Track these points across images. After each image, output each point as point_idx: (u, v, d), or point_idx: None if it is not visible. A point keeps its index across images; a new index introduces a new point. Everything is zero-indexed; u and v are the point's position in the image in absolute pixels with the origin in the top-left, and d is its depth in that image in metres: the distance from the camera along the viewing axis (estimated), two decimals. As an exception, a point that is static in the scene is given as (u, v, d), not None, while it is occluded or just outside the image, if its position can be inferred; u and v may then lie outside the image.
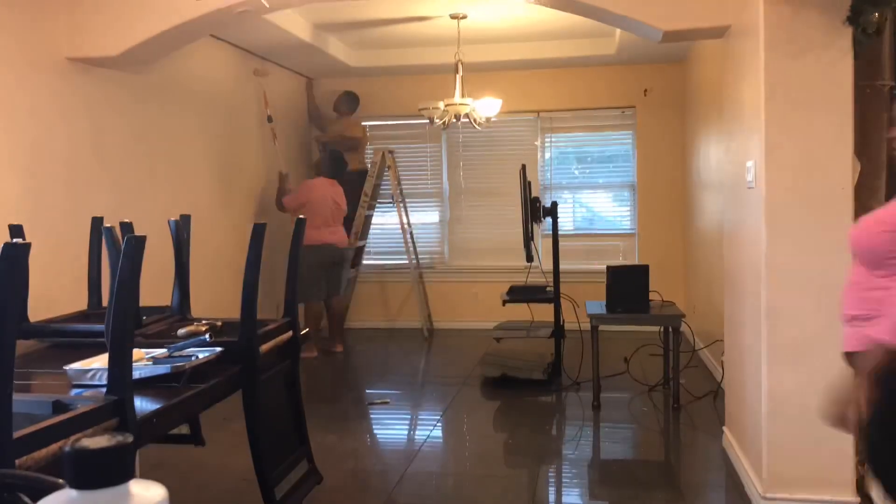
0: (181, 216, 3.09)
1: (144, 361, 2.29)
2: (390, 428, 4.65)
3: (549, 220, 5.43)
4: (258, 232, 2.59)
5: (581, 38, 6.56)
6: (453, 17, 5.69)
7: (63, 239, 3.80)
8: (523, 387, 5.13)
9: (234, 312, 2.67)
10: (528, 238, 5.28)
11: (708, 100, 5.49)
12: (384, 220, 7.74)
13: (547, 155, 7.48)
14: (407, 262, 7.16)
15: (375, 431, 4.49)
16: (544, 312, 5.67)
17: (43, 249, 3.33)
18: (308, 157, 7.57)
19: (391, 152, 7.12)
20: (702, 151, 5.95)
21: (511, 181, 6.56)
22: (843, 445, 2.94)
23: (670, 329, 4.77)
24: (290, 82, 7.20)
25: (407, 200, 7.28)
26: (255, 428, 2.63)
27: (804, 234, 2.96)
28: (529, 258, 5.30)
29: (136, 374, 2.04)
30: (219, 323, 2.88)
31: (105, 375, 1.91)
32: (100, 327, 2.56)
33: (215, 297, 4.50)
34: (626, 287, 4.71)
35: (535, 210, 5.28)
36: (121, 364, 1.84)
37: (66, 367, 2.17)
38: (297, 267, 3.01)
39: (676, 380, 4.68)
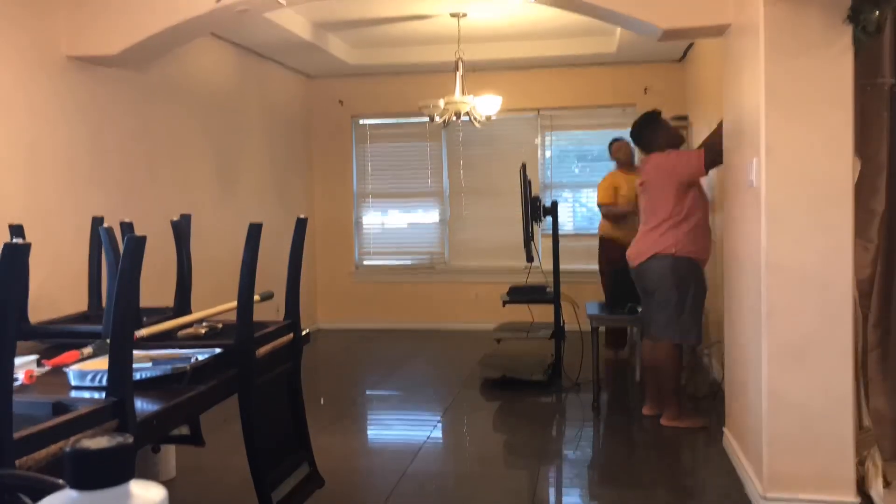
0: (182, 216, 3.08)
1: (144, 362, 2.28)
2: (390, 428, 4.65)
3: (549, 219, 5.42)
4: (254, 232, 2.57)
5: (581, 37, 6.56)
6: (453, 15, 5.69)
7: (63, 239, 3.80)
8: (523, 388, 5.12)
9: (234, 313, 2.66)
10: (529, 238, 5.27)
11: (708, 98, 5.48)
12: (384, 220, 7.75)
13: (547, 153, 7.48)
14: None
15: (376, 432, 4.49)
16: (544, 313, 5.67)
17: (43, 249, 3.33)
18: (308, 158, 7.56)
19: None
20: (702, 151, 5.94)
21: (511, 180, 6.54)
22: (843, 445, 2.94)
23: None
24: (291, 82, 7.19)
25: (405, 200, 7.10)
26: (250, 430, 2.62)
27: (804, 233, 2.95)
28: (530, 258, 5.28)
29: (136, 376, 2.03)
30: (219, 325, 2.87)
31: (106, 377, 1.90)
32: (101, 328, 2.55)
33: (216, 298, 4.49)
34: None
35: (536, 209, 5.27)
36: (121, 365, 1.83)
37: (67, 369, 2.17)
38: (298, 267, 2.98)
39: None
